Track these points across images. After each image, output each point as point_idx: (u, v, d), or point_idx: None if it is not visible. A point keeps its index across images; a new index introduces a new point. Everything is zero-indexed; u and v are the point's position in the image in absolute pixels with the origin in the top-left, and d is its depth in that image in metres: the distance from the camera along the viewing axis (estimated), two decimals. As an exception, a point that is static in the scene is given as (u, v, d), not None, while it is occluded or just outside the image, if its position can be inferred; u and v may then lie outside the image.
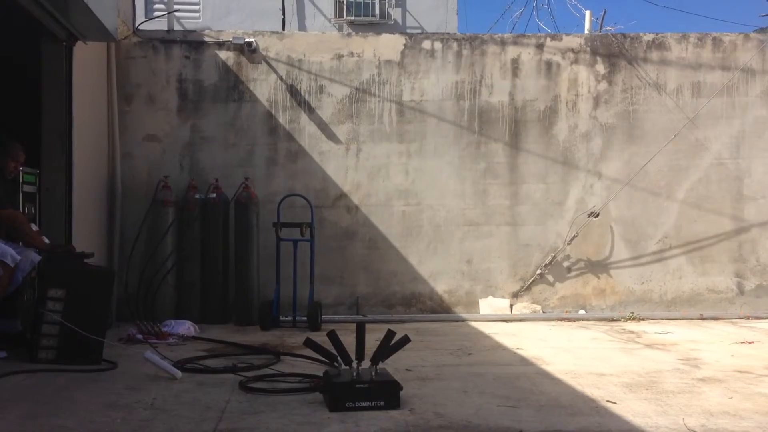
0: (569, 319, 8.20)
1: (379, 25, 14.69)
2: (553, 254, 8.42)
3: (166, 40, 8.27)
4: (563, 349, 6.38)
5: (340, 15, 15.09)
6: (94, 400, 4.38)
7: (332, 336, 4.52)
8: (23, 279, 5.62)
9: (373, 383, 4.28)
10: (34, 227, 6.03)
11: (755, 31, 8.99)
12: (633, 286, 8.51)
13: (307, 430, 3.84)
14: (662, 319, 8.22)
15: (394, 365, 5.00)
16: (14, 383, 4.75)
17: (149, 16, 11.44)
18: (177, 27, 8.89)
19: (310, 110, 8.36)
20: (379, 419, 4.03)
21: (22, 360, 5.29)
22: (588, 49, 8.57)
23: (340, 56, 8.41)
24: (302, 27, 14.94)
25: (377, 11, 15.07)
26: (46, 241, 5.82)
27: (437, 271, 8.40)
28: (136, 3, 8.71)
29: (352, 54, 8.42)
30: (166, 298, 7.64)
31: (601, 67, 8.56)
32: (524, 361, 5.83)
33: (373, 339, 4.62)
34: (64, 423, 3.93)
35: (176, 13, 9.02)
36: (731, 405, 4.42)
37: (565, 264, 8.49)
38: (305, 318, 7.39)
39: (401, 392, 4.32)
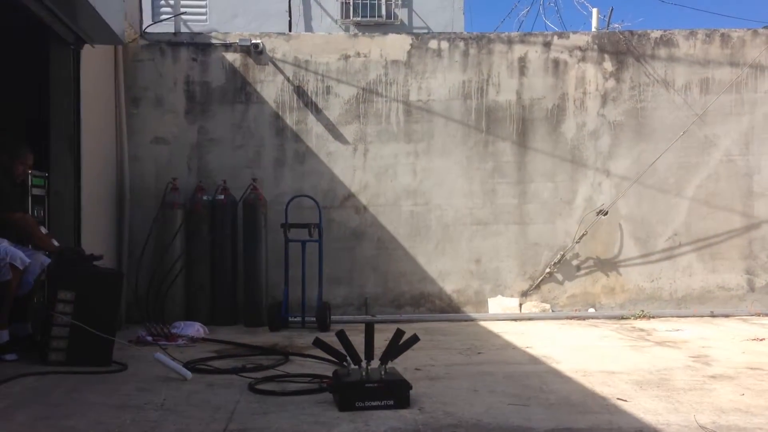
0: (579, 318, 8.17)
1: (386, 26, 14.71)
2: (562, 253, 8.39)
3: (173, 42, 8.29)
4: (573, 348, 6.36)
5: (347, 16, 15.13)
6: (104, 402, 4.40)
7: (341, 336, 4.52)
8: (33, 282, 5.65)
9: (383, 383, 4.29)
10: (44, 230, 6.06)
11: (764, 27, 8.92)
12: (643, 284, 8.47)
13: (317, 429, 3.85)
14: (672, 316, 8.18)
15: (403, 365, 4.99)
16: (25, 385, 4.77)
17: (156, 19, 11.47)
18: (184, 30, 8.91)
19: (317, 111, 8.36)
20: (389, 418, 4.03)
21: (33, 362, 5.32)
22: (595, 46, 8.54)
23: (346, 57, 8.41)
24: (309, 28, 14.97)
25: (383, 12, 15.11)
26: (56, 243, 5.84)
27: (446, 270, 8.39)
28: (143, 6, 8.74)
29: (358, 54, 8.42)
30: (175, 300, 7.66)
31: (608, 65, 8.53)
32: (534, 360, 5.81)
33: (382, 339, 4.62)
34: (74, 424, 3.95)
35: (183, 16, 9.05)
36: (743, 402, 4.39)
37: (574, 262, 8.46)
38: (314, 319, 7.39)
39: (411, 391, 4.32)
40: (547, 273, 8.40)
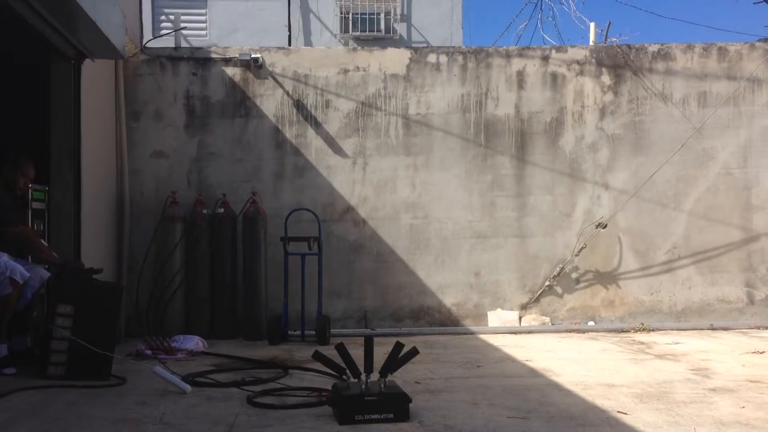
0: (578, 331, 8.16)
1: (385, 40, 14.78)
2: (561, 266, 8.39)
3: (174, 57, 8.33)
4: (573, 361, 6.36)
5: (346, 30, 15.21)
6: (103, 415, 4.39)
7: (341, 349, 4.51)
8: (32, 295, 5.64)
9: (383, 396, 4.28)
10: (44, 243, 6.06)
11: (760, 40, 8.97)
12: (642, 297, 8.47)
13: (316, 443, 3.84)
14: (672, 329, 8.18)
15: (402, 378, 4.99)
16: (24, 399, 4.76)
17: (156, 34, 11.54)
18: (184, 44, 8.96)
19: (317, 125, 8.39)
20: (389, 432, 4.03)
21: (32, 376, 5.30)
22: (593, 60, 8.59)
23: (345, 71, 8.45)
24: (308, 43, 15.05)
25: (382, 26, 15.20)
26: (56, 256, 5.84)
27: (445, 283, 8.39)
28: (143, 21, 8.79)
29: (357, 68, 8.46)
30: (174, 314, 7.64)
31: (606, 78, 8.57)
32: (534, 373, 5.81)
33: (381, 352, 4.62)
34: (73, 438, 3.94)
35: (183, 31, 9.10)
36: (743, 414, 4.39)
37: (574, 275, 8.46)
38: (314, 332, 7.38)
39: (410, 404, 4.31)
40: (547, 286, 8.40)
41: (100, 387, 5.13)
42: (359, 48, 9.40)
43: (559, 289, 8.44)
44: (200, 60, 8.35)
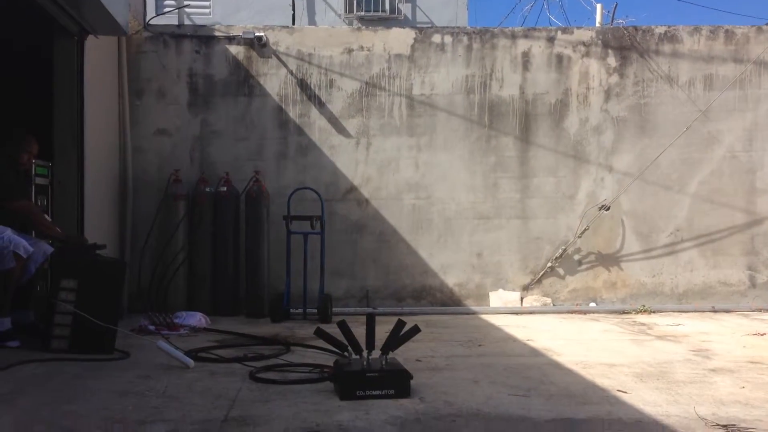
0: (580, 312, 8.18)
1: (389, 20, 14.72)
2: (563, 247, 8.39)
3: (177, 34, 8.29)
4: (574, 341, 6.38)
5: (350, 10, 15.14)
6: (106, 388, 4.42)
7: (343, 326, 4.54)
8: (36, 270, 5.67)
9: (384, 372, 4.31)
10: (47, 218, 6.08)
11: (767, 24, 8.90)
12: (644, 279, 8.47)
13: (318, 417, 3.86)
14: (673, 311, 8.19)
15: (404, 356, 5.01)
16: (27, 372, 4.80)
17: (160, 11, 11.48)
18: (187, 22, 8.92)
19: (321, 104, 8.37)
20: (390, 407, 4.05)
21: (35, 349, 5.34)
22: (599, 42, 8.54)
23: (350, 50, 8.41)
24: (312, 22, 14.99)
25: (387, 6, 15.13)
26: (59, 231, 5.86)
27: (447, 264, 8.40)
28: (147, -2, 8.74)
29: (362, 48, 8.42)
30: (177, 290, 7.66)
31: (612, 60, 8.52)
32: (535, 352, 5.83)
33: (383, 331, 4.63)
34: (77, 410, 3.98)
35: (187, 9, 9.05)
36: (743, 394, 4.41)
37: (576, 257, 8.46)
38: (315, 310, 7.40)
39: (411, 381, 4.34)
40: (549, 267, 8.41)
41: (104, 360, 5.17)
42: (364, 28, 9.35)
43: (561, 271, 8.45)
44: (204, 38, 8.31)
